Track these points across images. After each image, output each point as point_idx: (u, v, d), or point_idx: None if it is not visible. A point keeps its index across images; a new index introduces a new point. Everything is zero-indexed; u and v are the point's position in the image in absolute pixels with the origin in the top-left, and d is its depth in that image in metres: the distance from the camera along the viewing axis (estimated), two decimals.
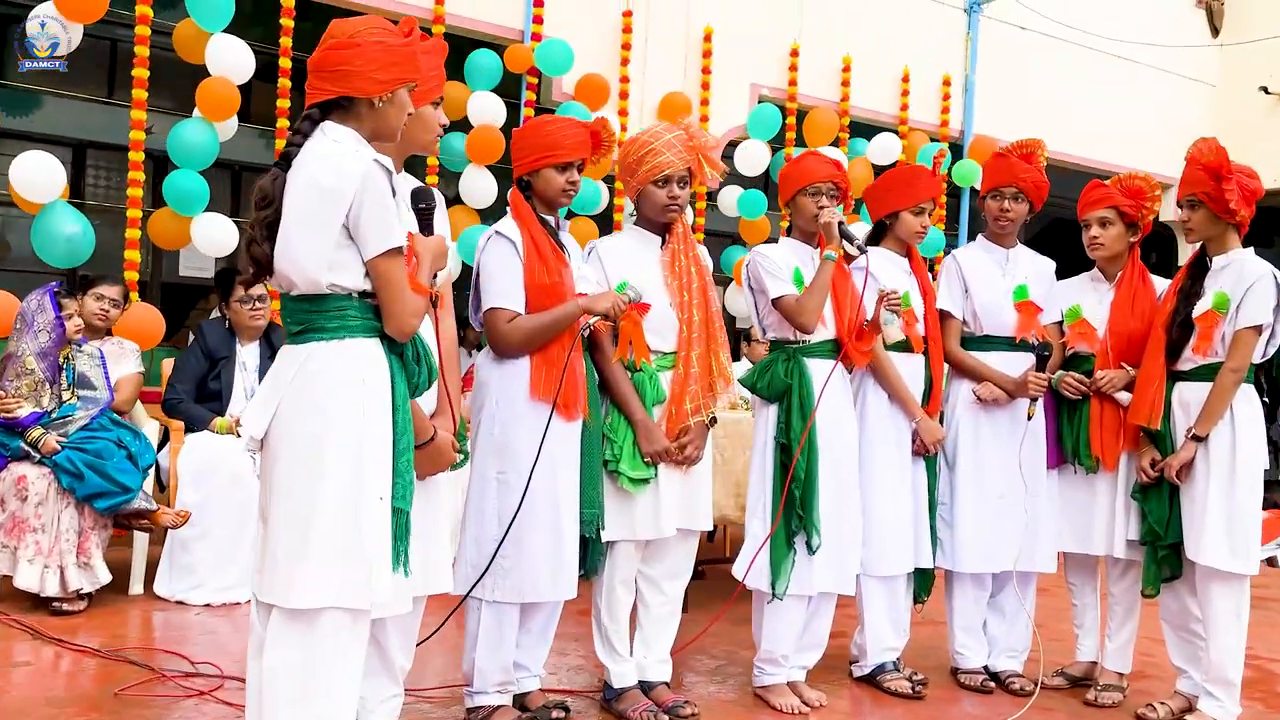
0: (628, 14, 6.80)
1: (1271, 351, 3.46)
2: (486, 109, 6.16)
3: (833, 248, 3.40)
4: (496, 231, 2.99)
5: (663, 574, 3.33)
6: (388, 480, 2.13)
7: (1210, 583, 3.38)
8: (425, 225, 2.40)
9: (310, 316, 2.13)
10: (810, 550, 3.40)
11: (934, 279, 3.91)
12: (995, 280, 3.81)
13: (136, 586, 4.51)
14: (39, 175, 4.81)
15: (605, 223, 6.89)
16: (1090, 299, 3.80)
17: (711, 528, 3.41)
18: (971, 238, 4.38)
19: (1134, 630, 3.72)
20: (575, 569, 3.06)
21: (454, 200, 6.25)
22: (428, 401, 2.53)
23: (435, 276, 2.39)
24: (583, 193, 6.45)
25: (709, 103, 7.15)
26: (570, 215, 6.71)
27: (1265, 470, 3.42)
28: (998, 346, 3.80)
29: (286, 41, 5.66)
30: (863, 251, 3.45)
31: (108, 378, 4.39)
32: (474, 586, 2.95)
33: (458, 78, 6.16)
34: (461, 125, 6.04)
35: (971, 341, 3.82)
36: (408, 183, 2.53)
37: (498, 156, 6.11)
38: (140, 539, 4.46)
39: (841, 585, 3.52)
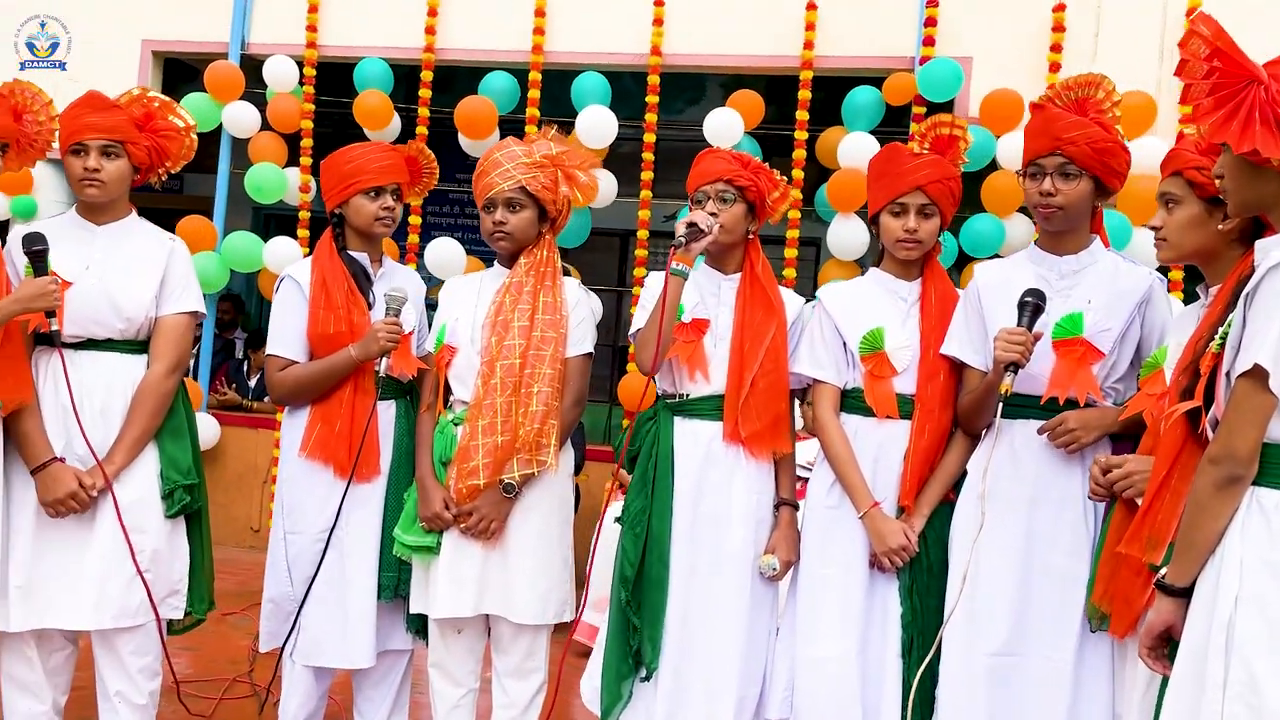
0: (1059, 8, 5.50)
1: None
2: (857, 151, 5.56)
3: (680, 259, 2.55)
4: (287, 274, 2.92)
5: (504, 670, 2.80)
6: None
7: None
8: (38, 267, 2.56)
9: None
10: (645, 674, 2.56)
11: None
12: None
13: None
14: None
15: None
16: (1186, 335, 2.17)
17: (541, 621, 2.73)
18: None
19: None
20: (368, 636, 2.81)
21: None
22: None
23: (52, 315, 2.54)
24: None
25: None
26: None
27: None
28: (1025, 412, 2.37)
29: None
30: (677, 246, 2.52)
31: None
32: (285, 642, 2.90)
33: (832, 121, 5.70)
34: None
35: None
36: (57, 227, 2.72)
37: (862, 202, 5.47)
38: None
39: None
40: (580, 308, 2.80)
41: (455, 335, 2.78)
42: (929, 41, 5.60)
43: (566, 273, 2.87)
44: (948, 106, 5.62)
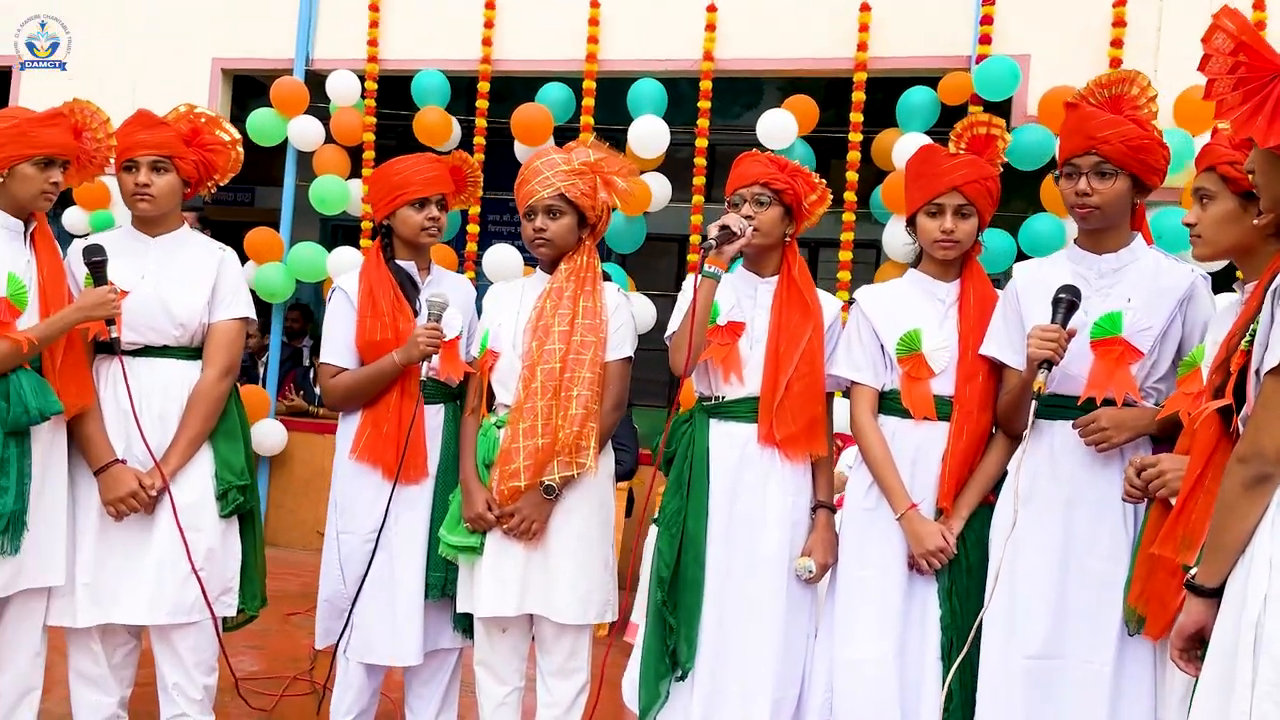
0: (1120, 2, 5.39)
1: None
2: (912, 152, 5.49)
3: (712, 261, 2.56)
4: (337, 285, 3.00)
5: (548, 669, 2.85)
6: None
7: None
8: (98, 277, 2.68)
9: None
10: (681, 673, 2.58)
11: None
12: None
13: None
14: None
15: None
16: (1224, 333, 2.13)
17: (582, 621, 2.77)
18: None
19: None
20: (415, 634, 2.88)
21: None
22: None
23: (112, 323, 2.65)
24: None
25: None
26: None
27: None
28: (1064, 413, 2.36)
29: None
30: (708, 249, 2.52)
31: None
32: (339, 640, 2.98)
33: (890, 123, 5.66)
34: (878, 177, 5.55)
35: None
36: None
37: None
38: None
39: None
40: (620, 312, 2.84)
41: (498, 340, 2.83)
42: (985, 40, 5.53)
43: (608, 278, 2.91)
44: (1005, 105, 5.55)
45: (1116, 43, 5.40)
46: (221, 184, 2.97)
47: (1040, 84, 5.42)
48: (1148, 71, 5.31)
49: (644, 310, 5.43)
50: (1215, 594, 1.72)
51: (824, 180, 2.80)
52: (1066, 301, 2.27)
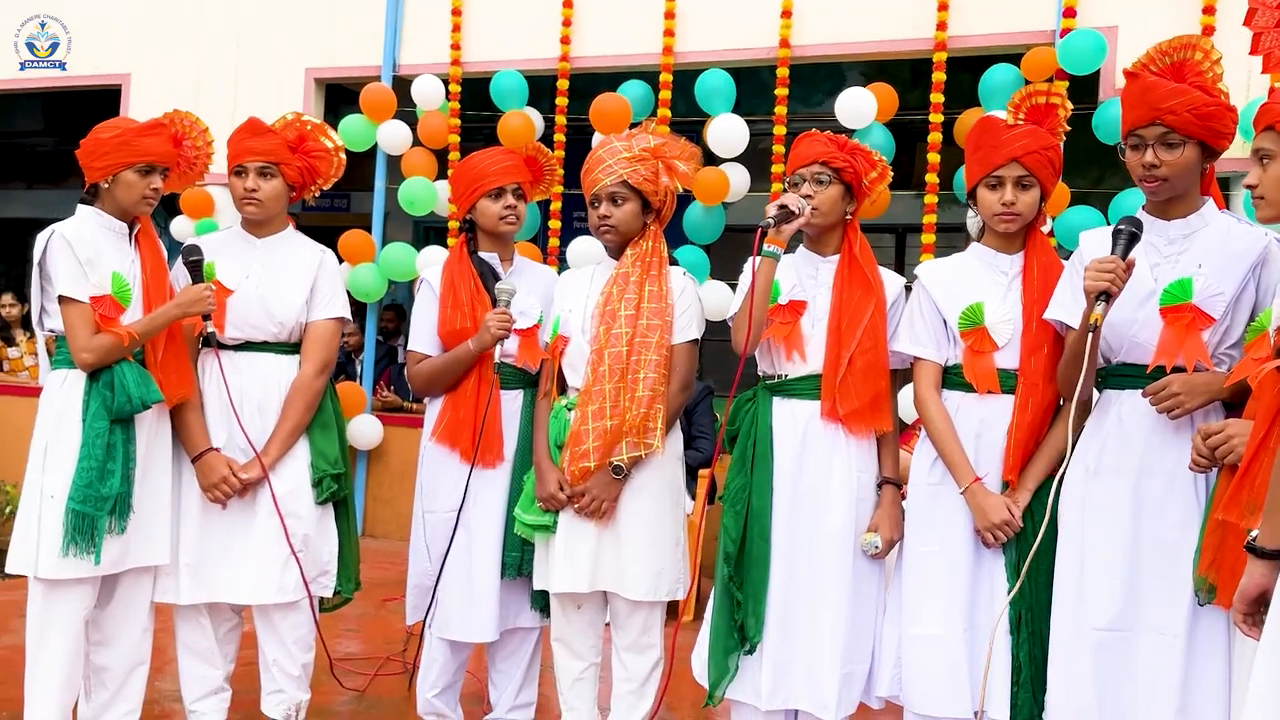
0: None
1: None
2: None
3: (772, 240, 2.59)
4: (424, 277, 3.12)
5: (622, 645, 2.92)
6: (61, 482, 2.66)
7: None
8: (195, 276, 2.85)
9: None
10: (749, 647, 2.62)
11: None
12: (1139, 274, 2.34)
13: None
14: None
15: None
16: None
17: (653, 598, 2.82)
18: None
19: None
20: (490, 611, 2.98)
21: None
22: None
23: (208, 318, 2.82)
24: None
25: None
26: None
27: None
28: (1133, 382, 2.33)
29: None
30: (766, 228, 2.55)
31: None
32: (426, 616, 3.10)
33: (973, 103, 5.57)
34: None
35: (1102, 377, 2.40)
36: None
37: None
38: None
39: (817, 705, 2.59)
40: (685, 295, 2.89)
41: (568, 325, 2.91)
42: (1070, 13, 5.41)
43: (674, 262, 2.97)
44: (1091, 80, 5.42)
45: (1209, 9, 5.22)
46: (325, 188, 3.12)
47: (1129, 56, 5.17)
48: (1241, 40, 5.18)
49: (725, 300, 5.46)
50: (1277, 555, 1.69)
51: (884, 159, 2.79)
52: (1127, 233, 2.22)
